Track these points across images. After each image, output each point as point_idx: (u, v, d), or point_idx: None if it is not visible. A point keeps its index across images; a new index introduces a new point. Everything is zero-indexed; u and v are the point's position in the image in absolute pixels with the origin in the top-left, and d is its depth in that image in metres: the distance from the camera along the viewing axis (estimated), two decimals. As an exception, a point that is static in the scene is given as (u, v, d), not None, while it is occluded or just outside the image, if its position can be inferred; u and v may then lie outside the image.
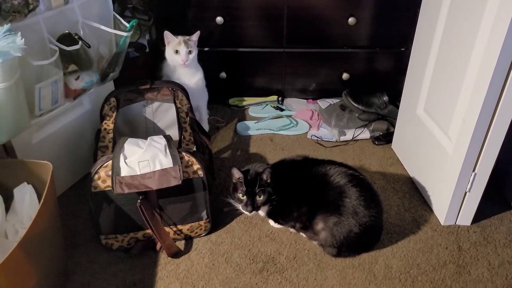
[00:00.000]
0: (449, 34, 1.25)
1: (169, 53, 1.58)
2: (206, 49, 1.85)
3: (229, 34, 1.85)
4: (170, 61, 1.60)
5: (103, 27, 1.29)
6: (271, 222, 1.30)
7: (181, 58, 1.55)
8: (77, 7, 1.25)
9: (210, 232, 1.27)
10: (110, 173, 1.08)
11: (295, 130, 1.81)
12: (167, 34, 1.56)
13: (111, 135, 1.27)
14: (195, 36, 1.58)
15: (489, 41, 1.04)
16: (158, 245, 1.20)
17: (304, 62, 1.93)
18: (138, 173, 1.08)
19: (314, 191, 1.15)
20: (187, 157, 1.13)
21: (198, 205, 1.20)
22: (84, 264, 1.17)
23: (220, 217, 1.33)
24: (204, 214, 1.22)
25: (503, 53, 1.00)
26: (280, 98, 2.00)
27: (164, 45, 1.60)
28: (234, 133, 1.81)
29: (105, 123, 1.32)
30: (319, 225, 1.14)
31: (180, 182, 1.08)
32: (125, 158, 1.08)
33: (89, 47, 1.24)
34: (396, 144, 1.68)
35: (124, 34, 1.33)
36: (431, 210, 1.36)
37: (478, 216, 1.30)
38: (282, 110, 1.95)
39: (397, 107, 1.67)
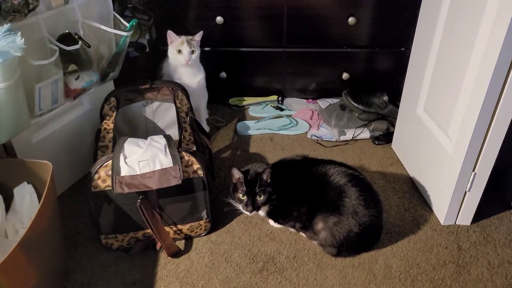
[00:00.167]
0: (449, 34, 1.25)
1: (171, 52, 1.58)
2: (206, 48, 1.85)
3: (229, 34, 1.85)
4: (172, 61, 1.60)
5: (103, 27, 1.29)
6: (271, 222, 1.30)
7: (184, 57, 1.55)
8: (77, 7, 1.25)
9: (210, 231, 1.28)
10: (110, 172, 1.08)
11: (295, 130, 1.81)
12: (170, 34, 1.55)
13: (111, 134, 1.27)
14: (198, 36, 1.58)
15: (489, 41, 1.04)
16: (158, 245, 1.21)
17: (304, 61, 1.93)
18: (138, 172, 1.08)
19: (314, 191, 1.15)
20: (187, 156, 1.13)
21: (198, 204, 1.20)
22: (84, 264, 1.17)
23: (220, 217, 1.33)
24: (204, 213, 1.22)
25: (503, 53, 1.00)
26: (280, 98, 2.00)
27: (164, 45, 1.60)
28: (234, 133, 1.81)
29: (105, 122, 1.32)
30: (319, 225, 1.15)
31: (180, 181, 1.08)
32: (125, 157, 1.08)
33: (89, 47, 1.24)
34: (396, 144, 1.68)
35: (124, 34, 1.33)
36: (431, 210, 1.36)
37: (478, 216, 1.30)
38: (282, 110, 1.95)
39: (397, 106, 1.67)
